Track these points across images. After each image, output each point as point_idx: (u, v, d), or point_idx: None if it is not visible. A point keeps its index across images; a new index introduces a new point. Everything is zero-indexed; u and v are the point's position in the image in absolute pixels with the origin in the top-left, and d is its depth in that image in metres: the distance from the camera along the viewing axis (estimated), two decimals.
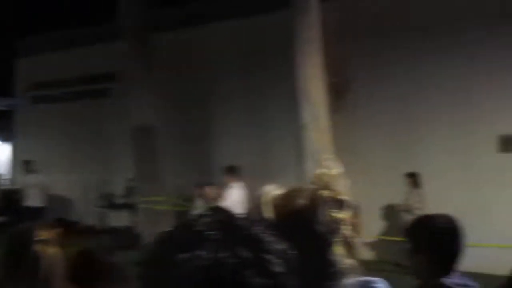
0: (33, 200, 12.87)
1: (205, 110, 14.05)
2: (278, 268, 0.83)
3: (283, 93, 11.41)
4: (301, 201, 1.32)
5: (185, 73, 14.10)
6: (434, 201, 10.02)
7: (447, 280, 2.42)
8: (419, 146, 11.22)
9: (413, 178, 10.49)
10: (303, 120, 9.37)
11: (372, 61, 11.69)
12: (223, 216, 0.91)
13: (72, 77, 16.54)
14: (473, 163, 10.65)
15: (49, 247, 2.42)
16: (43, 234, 2.45)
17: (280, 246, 0.86)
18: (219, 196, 9.54)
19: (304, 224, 1.27)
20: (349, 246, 1.28)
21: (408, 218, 10.03)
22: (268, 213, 1.33)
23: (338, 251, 1.26)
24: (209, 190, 9.78)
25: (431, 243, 2.50)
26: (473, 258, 9.66)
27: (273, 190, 1.41)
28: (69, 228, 8.97)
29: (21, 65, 17.95)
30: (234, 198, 9.24)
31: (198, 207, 10.36)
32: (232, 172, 9.81)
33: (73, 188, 15.89)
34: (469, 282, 2.48)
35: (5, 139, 19.44)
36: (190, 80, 14.13)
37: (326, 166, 1.37)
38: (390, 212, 11.32)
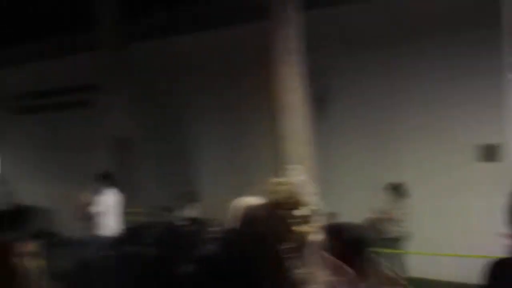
0: None
1: (182, 123, 13.95)
2: (188, 269, 0.85)
3: (260, 105, 11.33)
4: (263, 212, 1.28)
5: (161, 85, 14.03)
6: (418, 209, 10.04)
7: None
8: (399, 155, 11.25)
9: (397, 190, 10.29)
10: (282, 132, 9.33)
11: (351, 71, 11.73)
12: (170, 224, 0.94)
13: (48, 88, 16.38)
14: (454, 172, 10.69)
15: (29, 260, 2.34)
16: (22, 247, 2.38)
17: (208, 251, 0.88)
18: (90, 202, 10.03)
19: (262, 233, 1.24)
20: (310, 255, 1.25)
21: (391, 229, 10.00)
22: (237, 221, 1.33)
23: (297, 260, 1.23)
24: (82, 197, 10.11)
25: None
26: (452, 267, 9.69)
27: (250, 201, 1.40)
28: (50, 240, 8.95)
29: None
30: (106, 204, 9.94)
31: (185, 215, 10.54)
32: (106, 178, 10.31)
33: (56, 200, 15.66)
34: None
35: None
36: (166, 92, 14.03)
37: (291, 175, 1.35)
38: (372, 223, 11.28)
